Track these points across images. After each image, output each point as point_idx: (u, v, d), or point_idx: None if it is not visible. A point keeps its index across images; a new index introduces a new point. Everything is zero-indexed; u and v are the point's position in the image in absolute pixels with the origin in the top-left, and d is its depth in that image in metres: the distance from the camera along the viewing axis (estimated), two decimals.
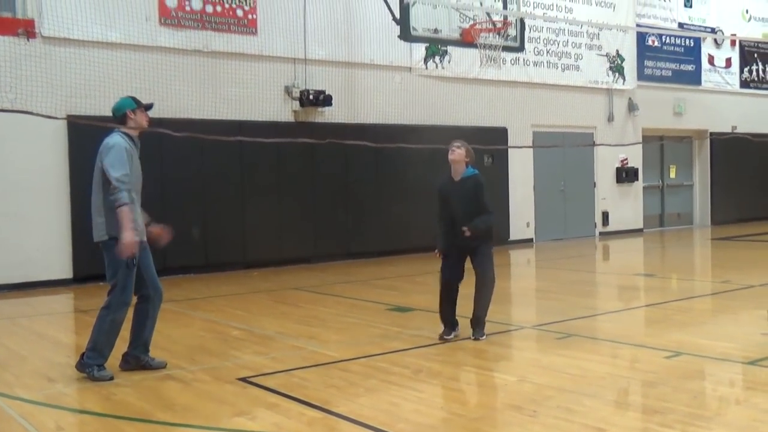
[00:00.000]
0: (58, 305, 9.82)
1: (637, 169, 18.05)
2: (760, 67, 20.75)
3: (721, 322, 7.73)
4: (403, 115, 14.04)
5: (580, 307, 8.57)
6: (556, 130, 16.41)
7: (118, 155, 5.53)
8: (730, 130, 19.65)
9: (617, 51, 17.46)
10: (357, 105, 13.62)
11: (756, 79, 20.63)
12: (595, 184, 17.37)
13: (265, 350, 6.58)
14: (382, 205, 13.82)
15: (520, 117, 15.72)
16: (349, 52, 13.47)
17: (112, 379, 5.54)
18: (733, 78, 20.06)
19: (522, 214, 15.93)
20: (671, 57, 18.65)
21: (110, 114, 11.46)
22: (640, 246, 16.27)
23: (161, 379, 5.65)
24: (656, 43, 18.31)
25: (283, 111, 12.82)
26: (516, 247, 15.52)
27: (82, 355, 5.65)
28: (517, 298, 10.33)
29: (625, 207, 17.90)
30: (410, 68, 14.29)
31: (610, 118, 17.48)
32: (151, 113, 11.50)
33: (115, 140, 5.67)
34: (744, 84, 20.33)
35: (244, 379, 5.53)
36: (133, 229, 5.41)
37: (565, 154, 16.69)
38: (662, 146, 19.13)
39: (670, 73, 18.61)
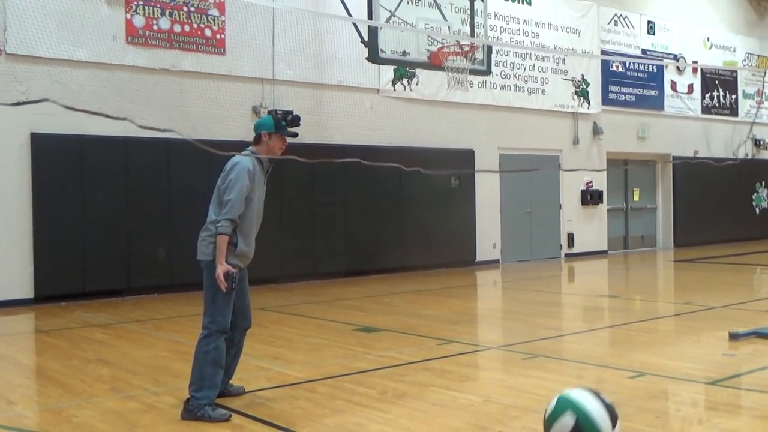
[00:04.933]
0: (18, 325, 9.63)
1: (602, 191, 18.29)
2: (721, 93, 21.20)
3: (684, 343, 7.82)
4: (370, 137, 14.10)
5: (545, 328, 8.62)
6: (523, 152, 16.58)
7: (240, 179, 5.14)
8: (692, 155, 20.02)
9: (582, 76, 17.74)
10: (325, 125, 13.64)
11: (717, 105, 21.08)
12: (560, 206, 17.56)
13: None
14: (349, 225, 13.82)
15: (486, 139, 15.88)
16: (318, 73, 13.52)
17: (229, 418, 4.97)
18: (694, 104, 20.47)
19: (488, 235, 16.02)
20: (635, 82, 18.99)
21: (75, 132, 11.44)
22: (604, 268, 16.45)
23: (123, 400, 5.57)
24: (620, 69, 18.63)
25: (251, 131, 12.76)
26: (482, 268, 15.59)
27: (187, 401, 5.08)
28: (484, 318, 10.37)
29: (590, 229, 18.10)
30: (378, 90, 14.37)
31: (576, 142, 17.71)
32: (118, 131, 11.54)
33: (239, 160, 5.28)
34: (705, 110, 20.75)
35: None
36: (236, 256, 5.14)
37: (531, 176, 16.86)
38: (626, 170, 19.41)
39: (633, 98, 18.94)
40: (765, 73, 21.93)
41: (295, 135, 5.65)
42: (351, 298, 11.47)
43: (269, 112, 12.82)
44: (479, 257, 15.77)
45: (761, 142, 21.83)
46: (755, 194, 21.83)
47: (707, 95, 20.83)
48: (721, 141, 20.96)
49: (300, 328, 8.81)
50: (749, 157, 21.55)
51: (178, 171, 11.92)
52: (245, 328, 5.54)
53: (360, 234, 13.96)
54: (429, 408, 5.25)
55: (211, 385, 5.06)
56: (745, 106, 21.83)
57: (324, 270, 13.51)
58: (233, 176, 5.18)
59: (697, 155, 20.03)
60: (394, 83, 14.60)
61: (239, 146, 12.71)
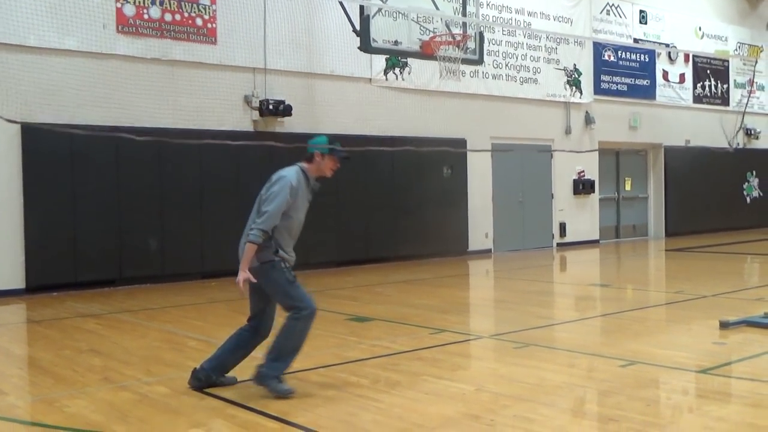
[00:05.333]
0: (10, 316, 9.61)
1: (594, 181, 18.33)
2: (712, 82, 21.24)
3: (675, 332, 7.87)
4: (363, 127, 14.08)
5: (537, 317, 8.65)
6: (515, 141, 16.58)
7: (281, 194, 5.21)
8: (683, 144, 20.07)
9: (574, 65, 17.74)
10: (317, 115, 13.62)
11: (708, 94, 21.11)
12: (552, 195, 17.58)
13: None
14: (342, 215, 13.81)
15: (479, 129, 15.88)
16: (309, 62, 13.48)
17: (292, 393, 5.18)
18: (686, 93, 20.50)
19: (481, 224, 16.04)
20: (627, 72, 19.00)
21: (67, 122, 11.36)
22: (596, 257, 16.50)
23: (116, 390, 5.57)
24: (612, 58, 18.64)
25: (242, 121, 12.77)
26: (475, 257, 15.62)
27: (260, 366, 5.27)
28: (476, 307, 10.40)
29: (582, 219, 18.14)
30: (370, 79, 14.35)
31: (568, 131, 17.72)
32: (107, 121, 11.49)
33: (287, 174, 5.34)
34: (697, 99, 20.78)
35: (201, 390, 5.47)
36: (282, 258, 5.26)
37: (524, 166, 16.88)
38: (618, 159, 19.45)
39: (625, 88, 18.95)
40: (756, 62, 21.98)
41: (348, 157, 5.65)
42: (343, 288, 11.48)
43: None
44: (471, 247, 15.80)
45: (752, 132, 21.90)
46: (746, 183, 21.91)
47: (699, 85, 20.86)
48: (713, 130, 21.00)
49: None
50: (740, 146, 21.62)
51: (170, 161, 11.88)
52: (263, 336, 5.54)
53: (352, 224, 13.96)
54: (421, 397, 5.27)
55: (284, 361, 5.26)
56: (736, 95, 21.87)
57: (316, 260, 13.48)
58: (276, 189, 5.25)
59: (688, 144, 20.08)
60: (386, 73, 14.58)
61: (231, 136, 12.71)
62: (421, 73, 14.77)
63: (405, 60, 14.56)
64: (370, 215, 14.21)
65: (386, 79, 14.61)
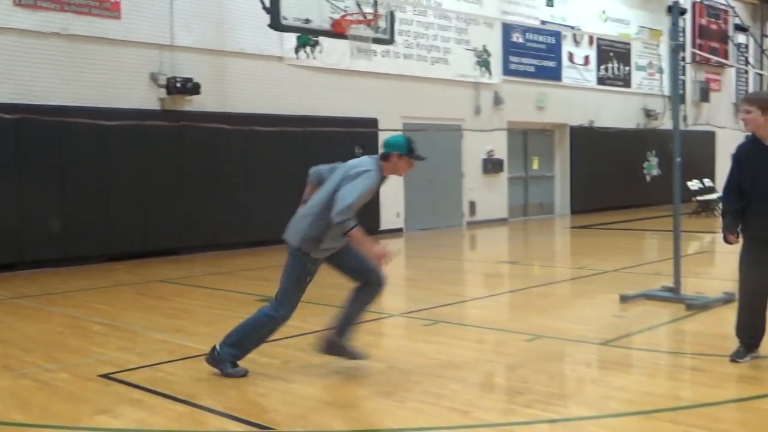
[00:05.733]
0: None
1: (503, 160, 18.67)
2: (615, 65, 21.91)
3: (578, 306, 8.14)
4: (273, 105, 13.90)
5: (447, 295, 8.79)
6: (426, 121, 16.70)
7: (364, 188, 5.33)
8: (587, 124, 20.66)
9: (484, 46, 17.97)
10: (226, 94, 13.36)
11: (611, 76, 21.78)
12: (462, 174, 17.83)
13: (129, 345, 6.37)
14: (252, 195, 13.63)
15: (390, 108, 15.91)
16: (218, 39, 13.19)
17: (245, 374, 5.21)
18: (590, 75, 21.09)
19: (392, 204, 16.12)
20: (534, 53, 19.38)
21: None
22: (504, 235, 16.86)
23: (16, 378, 5.36)
24: (520, 40, 18.97)
25: (148, 99, 12.41)
26: (386, 236, 15.69)
27: (214, 348, 5.27)
28: (387, 286, 10.45)
29: (491, 197, 18.47)
30: (281, 58, 14.16)
31: (477, 111, 17.97)
32: (6, 98, 10.95)
33: (371, 173, 5.44)
34: (600, 81, 21.41)
35: (106, 376, 5.33)
36: (319, 250, 5.35)
37: (434, 145, 16.99)
38: (525, 139, 19.88)
39: (533, 69, 19.34)
40: (657, 45, 22.77)
41: (424, 159, 5.67)
42: (254, 269, 11.37)
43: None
44: (383, 225, 15.86)
45: (652, 113, 22.72)
46: (646, 162, 22.76)
47: (602, 67, 21.48)
48: (615, 111, 21.68)
49: (202, 300, 8.68)
50: (641, 127, 22.42)
51: (72, 139, 11.45)
52: (379, 285, 5.78)
53: (262, 203, 13.79)
54: (333, 376, 5.29)
55: (242, 348, 5.28)
56: (637, 77, 22.64)
57: (226, 240, 13.31)
58: (360, 182, 5.33)
59: (592, 124, 20.67)
60: (297, 51, 14.42)
61: (136, 114, 12.33)
62: (332, 51, 14.68)
63: (316, 38, 14.43)
64: (280, 194, 14.08)
65: (297, 58, 14.45)
